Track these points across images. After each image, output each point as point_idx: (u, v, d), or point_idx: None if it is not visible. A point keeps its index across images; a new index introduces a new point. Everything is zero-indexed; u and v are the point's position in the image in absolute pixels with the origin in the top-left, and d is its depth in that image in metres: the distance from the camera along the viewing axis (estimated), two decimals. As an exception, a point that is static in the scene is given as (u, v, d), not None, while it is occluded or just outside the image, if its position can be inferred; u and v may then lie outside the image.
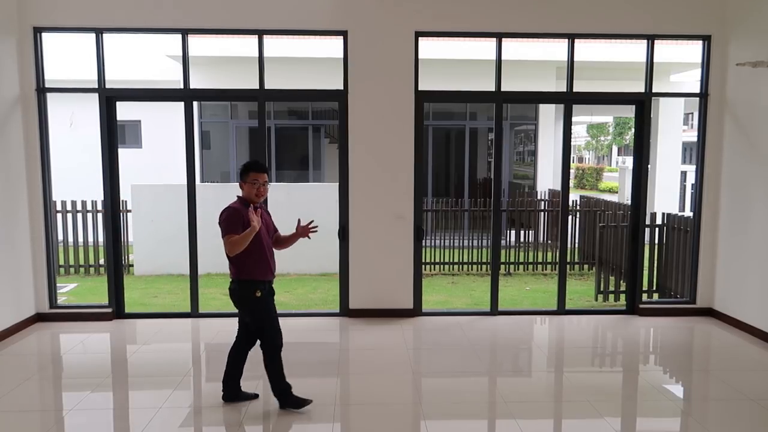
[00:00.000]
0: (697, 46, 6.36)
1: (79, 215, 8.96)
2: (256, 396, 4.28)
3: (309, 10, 5.93)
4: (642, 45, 6.26)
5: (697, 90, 6.40)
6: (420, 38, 6.03)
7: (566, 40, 6.16)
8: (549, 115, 12.48)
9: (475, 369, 4.99)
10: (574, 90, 6.23)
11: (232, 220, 3.90)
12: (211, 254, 8.52)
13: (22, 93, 5.84)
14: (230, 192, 10.50)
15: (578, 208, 9.90)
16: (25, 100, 5.86)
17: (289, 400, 4.09)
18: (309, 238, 4.29)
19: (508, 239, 10.17)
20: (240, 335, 4.21)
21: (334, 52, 6.32)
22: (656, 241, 7.11)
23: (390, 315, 6.24)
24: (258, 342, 4.11)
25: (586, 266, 9.40)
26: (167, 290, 8.15)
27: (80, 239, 8.98)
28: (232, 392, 4.21)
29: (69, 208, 8.93)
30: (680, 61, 10.67)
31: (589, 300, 7.64)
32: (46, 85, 5.98)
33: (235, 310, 4.18)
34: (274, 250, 4.19)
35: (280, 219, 8.00)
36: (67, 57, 8.50)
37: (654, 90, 6.27)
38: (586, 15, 6.05)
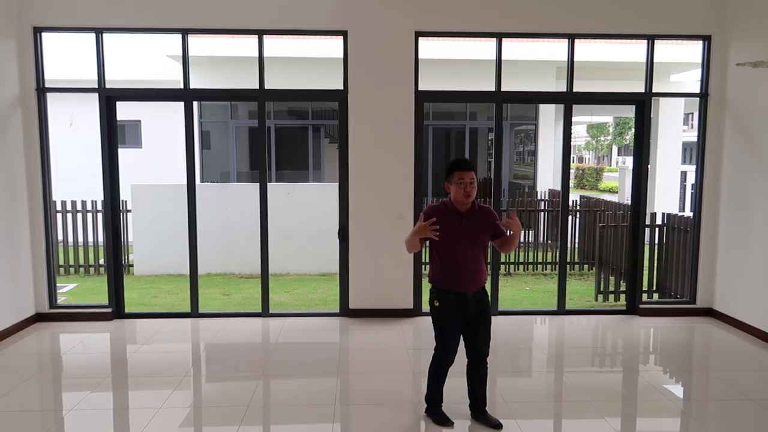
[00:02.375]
0: (697, 46, 6.36)
1: (79, 215, 8.96)
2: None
3: (309, 10, 5.93)
4: (642, 45, 6.26)
5: (697, 90, 6.39)
6: (420, 38, 6.03)
7: (566, 40, 6.16)
8: (549, 115, 12.49)
9: (475, 369, 4.99)
10: (574, 90, 6.23)
11: (419, 218, 3.67)
12: (211, 254, 8.58)
13: (22, 93, 5.84)
14: (230, 192, 10.58)
15: (578, 208, 9.90)
16: (25, 100, 5.86)
17: (433, 412, 3.91)
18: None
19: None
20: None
21: (334, 52, 6.32)
22: (656, 241, 7.11)
23: (390, 315, 6.24)
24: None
25: (586, 266, 9.39)
26: (167, 290, 8.15)
27: (80, 239, 8.98)
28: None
29: (69, 208, 8.92)
30: (680, 61, 10.67)
31: (589, 300, 7.64)
32: (46, 85, 5.98)
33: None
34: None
35: (280, 219, 8.05)
36: (67, 57, 8.50)
37: (654, 90, 6.27)
38: (586, 15, 6.05)
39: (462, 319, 3.75)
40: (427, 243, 3.78)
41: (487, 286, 3.93)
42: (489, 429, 3.78)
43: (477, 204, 3.83)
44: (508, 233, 3.88)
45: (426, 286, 4.02)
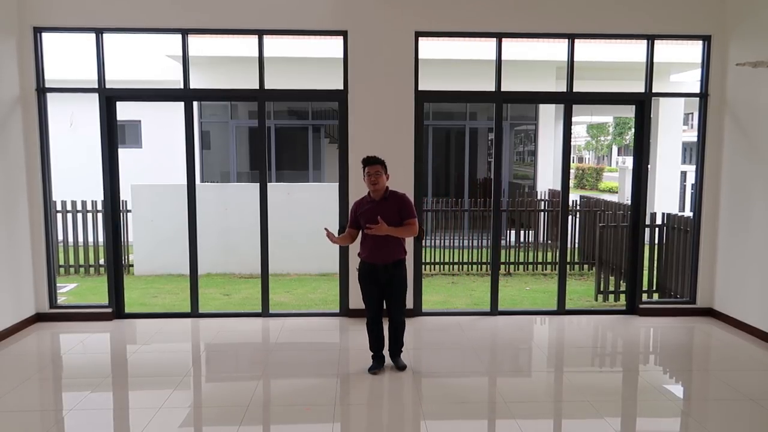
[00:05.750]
0: (697, 46, 6.36)
1: (79, 215, 8.96)
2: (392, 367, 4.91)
3: (309, 10, 5.93)
4: (642, 45, 6.26)
5: (697, 90, 6.39)
6: (420, 38, 6.03)
7: (566, 40, 6.16)
8: (549, 115, 12.48)
9: (475, 369, 5.00)
10: (574, 90, 6.23)
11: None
12: (211, 254, 8.58)
13: (22, 93, 5.84)
14: (230, 192, 10.60)
15: (578, 208, 9.90)
16: (25, 100, 5.86)
17: (374, 358, 4.87)
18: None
19: (508, 239, 10.17)
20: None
21: (334, 52, 6.32)
22: (656, 241, 7.11)
23: (390, 315, 6.22)
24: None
25: (586, 266, 9.40)
26: (167, 290, 8.15)
27: (80, 239, 8.98)
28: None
29: (69, 208, 8.93)
30: (680, 61, 10.67)
31: (589, 300, 7.64)
32: (46, 85, 5.99)
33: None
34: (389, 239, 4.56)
35: (280, 219, 8.06)
36: (67, 57, 8.50)
37: (654, 90, 6.27)
38: (586, 15, 6.06)
39: (378, 286, 4.66)
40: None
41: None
42: (396, 370, 4.78)
43: (390, 192, 4.63)
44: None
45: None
